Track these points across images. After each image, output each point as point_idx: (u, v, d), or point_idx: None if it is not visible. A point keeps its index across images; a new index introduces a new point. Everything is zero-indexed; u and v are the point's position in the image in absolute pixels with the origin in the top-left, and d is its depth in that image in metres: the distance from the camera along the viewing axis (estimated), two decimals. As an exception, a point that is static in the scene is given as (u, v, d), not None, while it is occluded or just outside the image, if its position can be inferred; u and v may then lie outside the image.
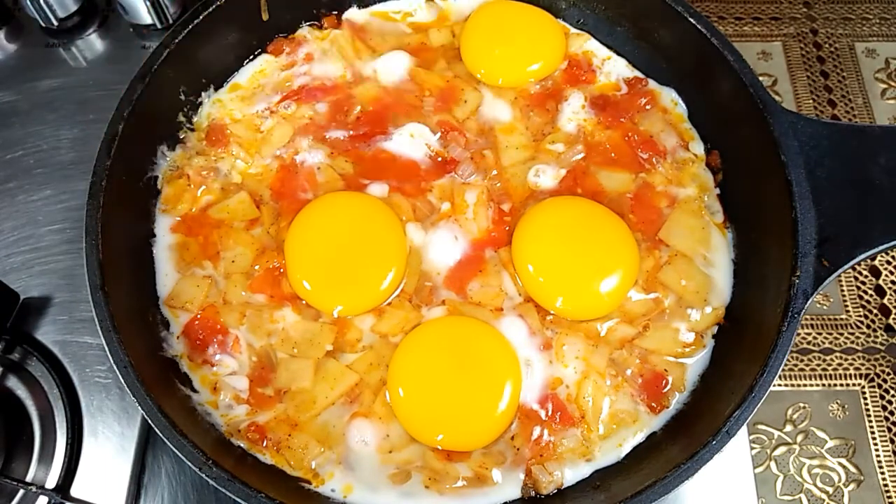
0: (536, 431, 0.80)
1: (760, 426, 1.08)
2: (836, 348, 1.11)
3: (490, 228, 0.90)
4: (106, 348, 0.72)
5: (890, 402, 1.07)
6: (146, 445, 0.85)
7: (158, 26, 1.09)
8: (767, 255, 0.84)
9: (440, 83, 1.00)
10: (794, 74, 1.34)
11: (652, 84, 1.01)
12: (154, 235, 0.90)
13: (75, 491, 0.81)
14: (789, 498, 1.04)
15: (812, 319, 1.18)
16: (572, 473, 0.79)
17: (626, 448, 0.81)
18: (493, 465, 0.78)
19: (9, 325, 0.88)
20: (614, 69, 1.03)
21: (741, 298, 0.86)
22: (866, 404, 1.07)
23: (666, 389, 0.83)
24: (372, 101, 0.98)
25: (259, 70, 1.02)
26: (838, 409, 1.06)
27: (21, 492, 0.80)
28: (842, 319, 1.14)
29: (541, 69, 1.01)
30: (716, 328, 0.86)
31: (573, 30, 1.06)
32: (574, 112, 0.98)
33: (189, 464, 0.69)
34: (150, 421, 0.70)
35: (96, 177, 0.80)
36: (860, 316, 1.12)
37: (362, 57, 1.02)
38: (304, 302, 0.86)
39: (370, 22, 1.06)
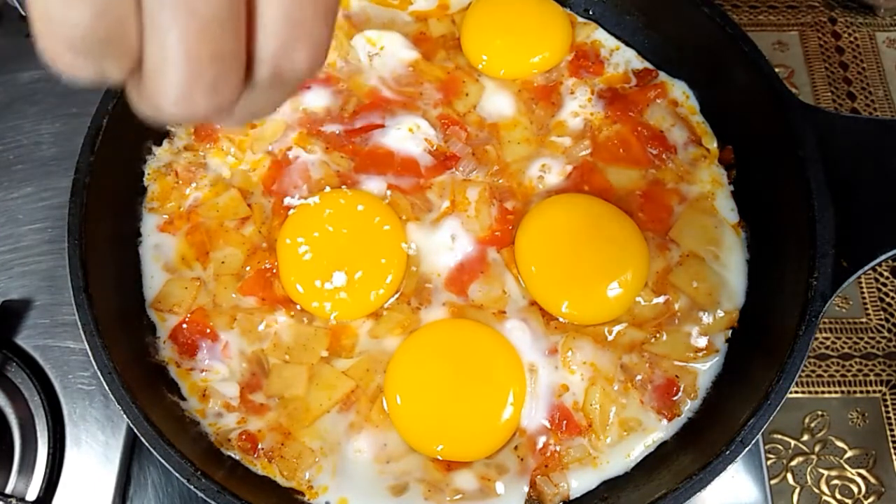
0: (541, 441, 0.77)
1: (776, 435, 1.05)
2: (855, 353, 1.08)
3: (493, 227, 0.86)
4: (89, 353, 0.70)
5: (912, 410, 1.05)
6: (132, 455, 0.82)
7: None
8: (784, 256, 0.81)
9: (441, 75, 0.96)
10: (812, 66, 1.31)
11: (662, 76, 0.98)
12: (140, 235, 0.86)
13: (57, 503, 0.79)
14: (807, 511, 1.02)
15: (830, 323, 1.14)
16: (578, 485, 0.76)
17: (635, 458, 0.77)
18: (496, 477, 0.75)
19: (-13, 328, 0.85)
20: (623, 60, 0.99)
21: (756, 301, 0.83)
22: (887, 412, 1.04)
23: (677, 396, 0.80)
24: (368, 93, 0.95)
25: (250, 61, 0.98)
26: (858, 418, 1.03)
27: (0, 504, 0.77)
28: (862, 323, 1.11)
29: (545, 60, 0.97)
30: (729, 332, 0.83)
31: (580, 19, 1.02)
32: (581, 105, 0.95)
33: (177, 475, 0.67)
34: (135, 430, 0.68)
35: (79, 173, 0.77)
36: (881, 319, 1.09)
37: (357, 46, 0.98)
38: (297, 306, 0.82)
39: (366, 9, 1.02)
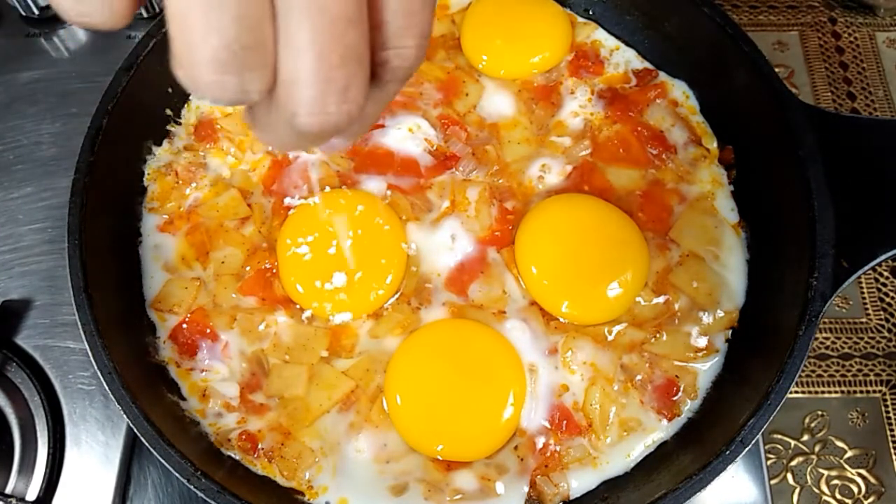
0: (541, 441, 0.77)
1: (776, 435, 1.05)
2: (855, 353, 1.08)
3: (493, 227, 0.86)
4: (89, 353, 0.70)
5: (912, 410, 1.05)
6: (132, 455, 0.82)
7: (145, 15, 1.05)
8: (784, 256, 0.81)
9: (441, 75, 0.96)
10: (812, 66, 1.31)
11: (662, 76, 0.97)
12: (140, 235, 0.86)
13: (57, 503, 0.78)
14: (807, 511, 1.02)
15: (830, 323, 1.14)
16: (578, 485, 0.76)
17: (635, 458, 0.77)
18: (496, 477, 0.75)
19: (-13, 329, 0.85)
20: (623, 60, 0.99)
21: (756, 301, 0.83)
22: (887, 412, 1.04)
23: (677, 396, 0.80)
24: (368, 93, 0.95)
25: (250, 61, 0.98)
26: (858, 418, 1.03)
27: (0, 504, 0.77)
28: (862, 323, 1.11)
29: (545, 60, 0.97)
30: (729, 332, 0.83)
31: (580, 19, 1.02)
32: (580, 105, 0.95)
33: (177, 475, 0.67)
34: (135, 430, 0.68)
35: (79, 173, 0.77)
36: (881, 319, 1.09)
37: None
38: (297, 306, 0.82)
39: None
